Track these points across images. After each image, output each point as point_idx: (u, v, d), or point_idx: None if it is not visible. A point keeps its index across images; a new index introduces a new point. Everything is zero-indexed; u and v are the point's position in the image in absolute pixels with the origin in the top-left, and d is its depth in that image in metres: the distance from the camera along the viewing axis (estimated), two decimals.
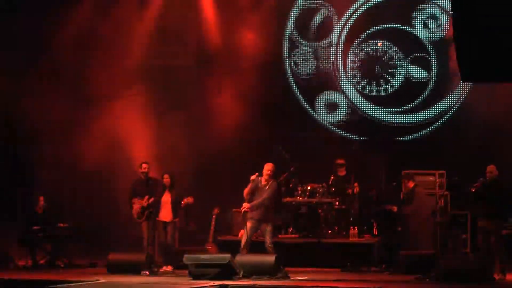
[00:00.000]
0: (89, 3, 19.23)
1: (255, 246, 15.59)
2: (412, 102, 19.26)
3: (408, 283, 14.52)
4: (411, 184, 16.85)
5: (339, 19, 19.58)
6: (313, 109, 19.67)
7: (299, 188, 17.81)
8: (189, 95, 19.55)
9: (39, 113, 18.96)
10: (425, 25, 19.24)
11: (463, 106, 18.97)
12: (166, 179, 16.47)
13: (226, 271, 14.55)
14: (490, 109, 18.23)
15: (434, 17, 19.24)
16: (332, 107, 19.66)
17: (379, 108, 19.41)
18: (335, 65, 19.63)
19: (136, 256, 15.93)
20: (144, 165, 16.99)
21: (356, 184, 17.78)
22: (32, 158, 19.07)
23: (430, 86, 19.22)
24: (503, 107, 18.06)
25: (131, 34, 19.30)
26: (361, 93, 19.50)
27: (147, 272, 15.54)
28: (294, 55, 19.79)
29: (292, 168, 18.02)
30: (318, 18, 19.72)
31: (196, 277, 14.66)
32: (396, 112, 19.34)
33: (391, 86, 19.45)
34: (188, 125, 19.37)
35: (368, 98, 19.49)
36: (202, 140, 19.21)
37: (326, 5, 19.65)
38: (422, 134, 19.17)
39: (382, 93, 19.47)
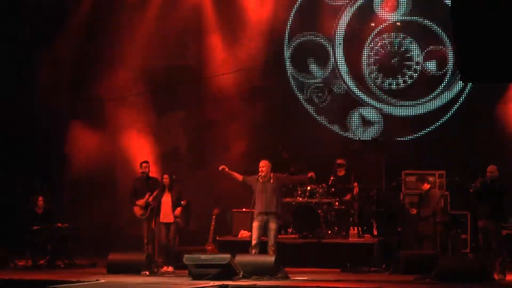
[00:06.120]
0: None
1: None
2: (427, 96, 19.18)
3: (408, 283, 14.51)
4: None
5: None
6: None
7: (299, 188, 17.80)
8: (190, 95, 19.54)
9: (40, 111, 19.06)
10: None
11: (463, 105, 18.95)
12: (166, 179, 16.44)
13: (226, 271, 14.54)
14: (491, 108, 18.26)
15: None
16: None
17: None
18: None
19: (136, 256, 15.92)
20: (144, 164, 17.03)
21: (355, 184, 17.78)
22: (32, 157, 19.08)
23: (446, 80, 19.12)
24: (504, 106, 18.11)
25: (132, 35, 19.33)
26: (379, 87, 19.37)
27: (147, 272, 15.53)
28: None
29: (291, 169, 18.00)
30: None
31: (196, 277, 14.66)
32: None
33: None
34: (188, 125, 19.36)
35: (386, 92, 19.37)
36: (202, 140, 19.20)
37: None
38: (422, 134, 19.16)
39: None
